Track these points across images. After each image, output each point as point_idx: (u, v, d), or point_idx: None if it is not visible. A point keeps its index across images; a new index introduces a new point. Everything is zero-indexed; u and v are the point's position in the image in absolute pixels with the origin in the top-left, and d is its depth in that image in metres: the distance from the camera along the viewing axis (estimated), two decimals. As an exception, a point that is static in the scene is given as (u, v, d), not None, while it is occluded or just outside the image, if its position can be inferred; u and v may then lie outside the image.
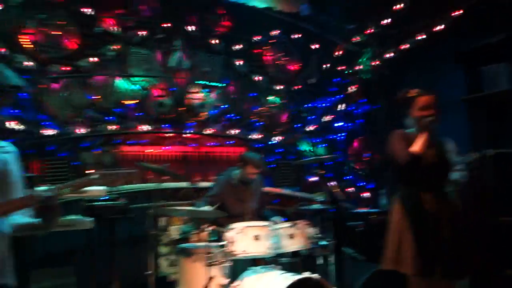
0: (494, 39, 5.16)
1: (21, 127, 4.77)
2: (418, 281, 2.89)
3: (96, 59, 5.27)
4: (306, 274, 3.51)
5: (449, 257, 2.78)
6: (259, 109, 6.12)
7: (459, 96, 5.47)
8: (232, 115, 5.95)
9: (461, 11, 5.28)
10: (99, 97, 5.25)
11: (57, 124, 5.02)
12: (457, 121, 5.40)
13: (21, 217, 2.13)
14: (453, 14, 5.37)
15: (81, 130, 5.10)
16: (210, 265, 3.57)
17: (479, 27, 5.23)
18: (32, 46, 4.92)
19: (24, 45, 4.89)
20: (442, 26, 5.56)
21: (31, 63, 4.92)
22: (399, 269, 2.90)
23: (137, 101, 5.44)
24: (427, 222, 2.85)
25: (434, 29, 5.64)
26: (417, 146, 2.92)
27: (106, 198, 4.07)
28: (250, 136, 6.00)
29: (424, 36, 5.78)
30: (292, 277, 3.45)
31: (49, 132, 4.93)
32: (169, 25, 5.62)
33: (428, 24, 5.72)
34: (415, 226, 2.86)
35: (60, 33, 5.03)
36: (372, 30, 6.24)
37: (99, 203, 4.01)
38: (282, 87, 6.29)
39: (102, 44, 5.34)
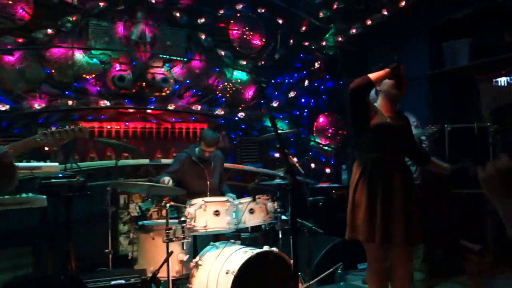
0: (459, 15, 5.20)
1: (-29, 102, 4.57)
2: (371, 248, 2.95)
3: (52, 30, 5.05)
4: (266, 248, 3.52)
5: (400, 224, 2.83)
6: (224, 84, 6.03)
7: (422, 71, 5.53)
8: (195, 90, 5.83)
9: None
10: (56, 70, 5.05)
11: (11, 99, 4.82)
12: (420, 96, 5.48)
13: None
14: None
15: (37, 105, 4.92)
16: (169, 241, 3.54)
17: (444, 2, 5.25)
18: (-18, 16, 4.68)
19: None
20: (408, 2, 5.55)
21: (-19, 34, 4.69)
22: (355, 236, 2.94)
23: (97, 75, 5.27)
24: (380, 188, 2.87)
25: (399, 5, 5.64)
26: (375, 75, 2.89)
27: (62, 175, 3.94)
28: (214, 112, 5.92)
29: (389, 12, 5.77)
30: (251, 251, 3.47)
31: (2, 107, 4.74)
32: (130, -4, 5.43)
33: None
34: (369, 193, 2.88)
35: (11, 2, 4.78)
36: (338, 5, 6.18)
37: (55, 180, 3.88)
38: (246, 62, 6.20)
39: (60, 15, 5.12)
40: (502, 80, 5.16)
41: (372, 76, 2.89)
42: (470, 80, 5.40)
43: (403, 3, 5.58)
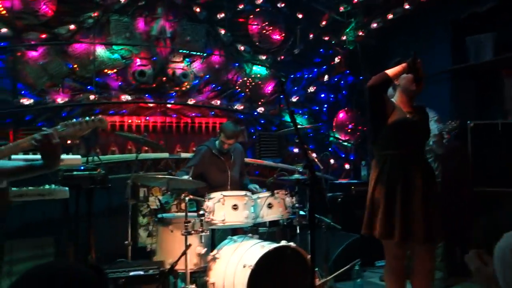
0: (482, 8, 5.08)
1: (-3, 96, 4.68)
2: (389, 245, 2.92)
3: (74, 26, 5.13)
4: (283, 243, 3.53)
5: (420, 222, 2.79)
6: (243, 79, 6.03)
7: (445, 66, 5.43)
8: (215, 85, 5.86)
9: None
10: (78, 66, 5.14)
11: (34, 93, 4.92)
12: (442, 91, 5.38)
13: (22, 162, 2.19)
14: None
15: (60, 100, 5.01)
16: (188, 234, 3.57)
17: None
18: (6, 12, 4.77)
19: (-1, 12, 4.75)
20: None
21: (6, 30, 4.79)
22: (370, 233, 2.92)
23: (118, 70, 5.33)
24: (400, 185, 2.84)
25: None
26: (393, 70, 2.89)
27: (84, 168, 4.01)
28: (233, 107, 5.93)
29: (410, 6, 5.68)
30: (269, 246, 3.48)
31: (26, 101, 4.84)
32: (151, -8, 5.47)
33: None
34: (388, 190, 2.86)
35: (36, -1, 4.87)
36: (358, 0, 6.12)
37: (77, 173, 3.95)
38: (266, 57, 6.19)
39: (82, 11, 5.20)
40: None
41: (390, 72, 2.87)
42: (494, 76, 5.27)
43: (424, -3, 5.49)
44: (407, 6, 5.74)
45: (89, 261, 3.84)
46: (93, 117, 2.22)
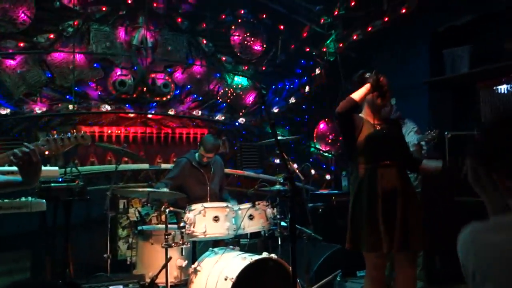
0: (460, 22, 5.20)
1: (-28, 105, 4.58)
2: (369, 256, 2.94)
3: (54, 35, 5.07)
4: (265, 255, 3.51)
5: (400, 231, 2.82)
6: (224, 89, 6.03)
7: (423, 78, 5.54)
8: (196, 95, 5.84)
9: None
10: (57, 75, 5.07)
11: (11, 103, 4.83)
12: (421, 102, 5.48)
13: (1, 176, 2.16)
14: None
15: (38, 109, 4.92)
16: (168, 246, 3.53)
17: (445, 9, 5.26)
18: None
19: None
20: (409, 9, 5.55)
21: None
22: (356, 248, 2.94)
23: (98, 79, 5.28)
24: (380, 197, 2.87)
25: (400, 12, 5.64)
26: (358, 93, 2.96)
27: (62, 179, 3.94)
28: (214, 118, 5.92)
29: (390, 19, 5.78)
30: (250, 258, 3.45)
31: (3, 111, 4.74)
32: (132, 1, 5.43)
33: (394, 6, 5.71)
34: (368, 203, 2.89)
35: (13, 6, 4.79)
36: (339, 12, 6.20)
37: (55, 184, 3.88)
38: (247, 67, 6.21)
39: (61, 19, 5.14)
40: (503, 88, 5.15)
41: (356, 96, 2.96)
42: (470, 88, 5.39)
43: (403, 10, 5.58)
44: (386, 19, 5.84)
45: (66, 275, 3.76)
46: (75, 134, 2.19)
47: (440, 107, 5.50)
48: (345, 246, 3.03)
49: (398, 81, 5.70)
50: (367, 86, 2.96)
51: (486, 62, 4.96)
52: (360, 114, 3.09)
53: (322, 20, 6.41)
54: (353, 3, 6.06)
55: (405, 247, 2.85)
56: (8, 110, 4.76)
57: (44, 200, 3.74)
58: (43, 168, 3.73)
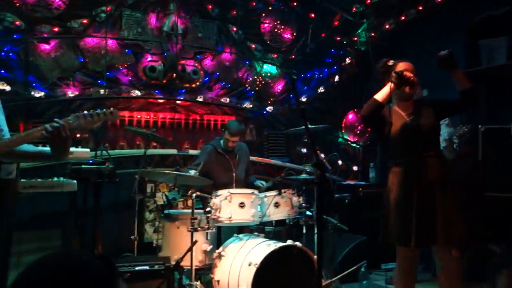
0: (498, 12, 5.01)
1: (8, 87, 4.71)
2: (402, 249, 2.88)
3: (87, 20, 5.16)
4: (289, 242, 3.51)
5: (440, 225, 2.73)
6: (253, 77, 6.02)
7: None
8: (225, 83, 5.85)
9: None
10: (89, 60, 5.16)
11: (45, 86, 4.95)
12: (454, 94, 5.32)
13: (32, 146, 2.26)
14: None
15: (70, 93, 5.03)
16: (194, 230, 3.56)
17: (481, -1, 5.09)
18: (20, 5, 4.80)
19: (12, 4, 4.77)
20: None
21: (19, 23, 4.82)
22: (388, 241, 2.87)
23: (128, 65, 5.35)
24: (416, 190, 2.79)
25: (435, 1, 5.48)
26: (381, 94, 2.83)
27: (93, 162, 4.03)
28: (242, 105, 5.92)
29: (424, 8, 5.63)
30: (274, 245, 3.46)
31: (37, 94, 4.87)
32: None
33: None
34: (403, 197, 2.82)
35: (49, -9, 4.89)
36: (371, 0, 6.07)
37: (86, 166, 3.97)
38: (276, 56, 6.17)
39: (95, 5, 5.21)
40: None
41: (379, 97, 2.84)
42: (507, 80, 5.21)
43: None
44: (420, 8, 5.69)
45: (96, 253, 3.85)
46: (104, 110, 2.23)
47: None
48: (378, 239, 2.96)
49: (431, 72, 5.56)
50: (390, 85, 2.80)
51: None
52: (391, 104, 3.00)
53: (354, 9, 6.28)
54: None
55: (447, 240, 2.76)
56: (42, 93, 4.88)
57: (75, 181, 3.83)
58: (75, 149, 3.87)
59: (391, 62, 2.95)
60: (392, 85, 2.80)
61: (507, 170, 4.25)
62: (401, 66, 2.93)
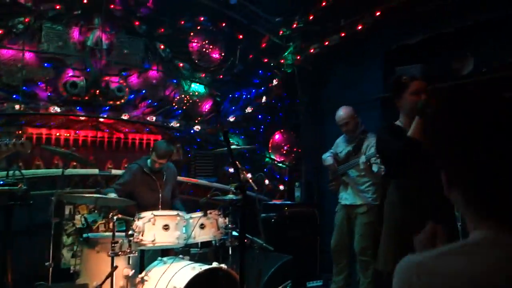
0: (413, 40, 5.39)
1: None
2: None
3: (2, 31, 4.84)
4: (214, 264, 3.47)
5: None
6: (180, 96, 5.96)
7: (376, 94, 5.69)
8: (151, 101, 5.73)
9: (380, 12, 5.45)
10: (4, 73, 4.83)
11: (-49, 100, 4.56)
12: (373, 118, 5.62)
13: None
14: (376, 14, 5.52)
15: (-20, 108, 4.67)
16: (115, 255, 3.40)
17: (399, 28, 5.44)
18: None
19: None
20: (364, 26, 5.70)
21: None
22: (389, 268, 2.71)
23: (48, 80, 5.07)
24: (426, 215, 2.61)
25: (356, 28, 5.79)
26: (413, 131, 2.66)
27: (3, 183, 3.74)
28: (169, 124, 5.83)
29: (346, 35, 5.92)
30: (199, 267, 3.40)
31: None
32: (88, 1, 5.28)
33: (351, 22, 5.86)
34: (414, 220, 2.49)
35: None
36: (297, 25, 6.29)
37: (-5, 188, 3.68)
38: (204, 75, 6.17)
39: (12, 15, 4.92)
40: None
41: (413, 133, 2.65)
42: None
43: (359, 27, 5.74)
44: (342, 35, 5.98)
45: (5, 284, 3.55)
46: (14, 140, 2.08)
47: (392, 122, 5.64)
48: (386, 268, 2.66)
49: (353, 95, 5.85)
50: (417, 120, 2.63)
51: (436, 81, 5.14)
52: (397, 123, 2.89)
53: (281, 32, 6.48)
54: (311, 17, 6.17)
55: None
56: None
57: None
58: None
59: (404, 78, 2.86)
60: (420, 119, 2.64)
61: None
62: (415, 85, 2.82)
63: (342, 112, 4.64)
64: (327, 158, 4.71)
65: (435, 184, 2.61)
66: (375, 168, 4.33)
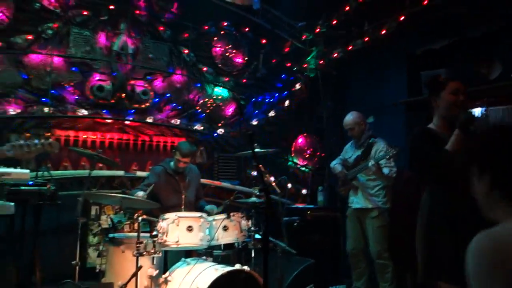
0: (437, 46, 5.34)
1: None
2: None
3: (32, 36, 4.99)
4: (237, 266, 3.48)
5: None
6: (204, 100, 6.02)
7: (400, 98, 5.64)
8: (175, 104, 5.81)
9: (404, 17, 5.40)
10: (34, 76, 4.97)
11: (-16, 102, 4.71)
12: (397, 122, 5.57)
13: None
14: (400, 19, 5.47)
15: (12, 111, 4.80)
16: (139, 255, 3.45)
17: (423, 33, 5.40)
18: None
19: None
20: (388, 31, 5.66)
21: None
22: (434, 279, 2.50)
23: (75, 83, 5.20)
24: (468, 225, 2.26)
25: (380, 33, 5.76)
26: (452, 144, 2.56)
27: (33, 183, 3.84)
28: (193, 127, 5.89)
29: (370, 39, 5.89)
30: (222, 269, 3.42)
31: (-25, 110, 4.62)
32: (114, 7, 5.40)
33: (374, 27, 5.83)
34: (457, 230, 2.47)
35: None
36: (320, 30, 6.30)
37: (25, 188, 3.78)
38: (228, 79, 6.23)
39: (41, 21, 5.07)
40: (477, 111, 5.27)
41: (451, 147, 2.57)
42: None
43: (383, 32, 5.70)
44: (366, 39, 5.95)
45: (33, 282, 3.64)
46: (43, 141, 2.14)
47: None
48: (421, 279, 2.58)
49: (376, 99, 5.81)
50: (456, 134, 2.56)
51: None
52: (431, 126, 2.78)
53: (304, 37, 6.51)
54: (334, 22, 6.17)
55: None
56: (-20, 110, 4.64)
57: (12, 203, 3.62)
58: (13, 170, 3.67)
59: (441, 79, 2.81)
60: (460, 133, 2.56)
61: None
62: (454, 85, 2.74)
63: (348, 118, 4.68)
64: (335, 166, 4.78)
65: (465, 192, 2.52)
66: (386, 170, 4.30)
